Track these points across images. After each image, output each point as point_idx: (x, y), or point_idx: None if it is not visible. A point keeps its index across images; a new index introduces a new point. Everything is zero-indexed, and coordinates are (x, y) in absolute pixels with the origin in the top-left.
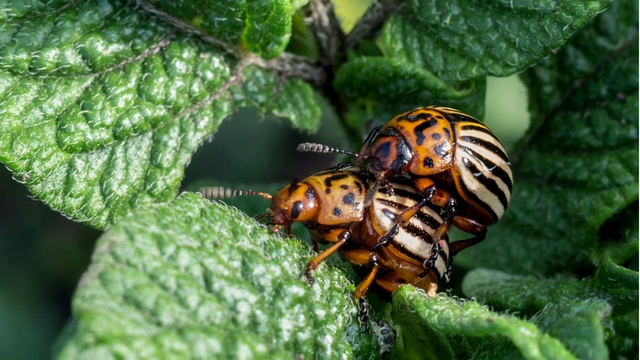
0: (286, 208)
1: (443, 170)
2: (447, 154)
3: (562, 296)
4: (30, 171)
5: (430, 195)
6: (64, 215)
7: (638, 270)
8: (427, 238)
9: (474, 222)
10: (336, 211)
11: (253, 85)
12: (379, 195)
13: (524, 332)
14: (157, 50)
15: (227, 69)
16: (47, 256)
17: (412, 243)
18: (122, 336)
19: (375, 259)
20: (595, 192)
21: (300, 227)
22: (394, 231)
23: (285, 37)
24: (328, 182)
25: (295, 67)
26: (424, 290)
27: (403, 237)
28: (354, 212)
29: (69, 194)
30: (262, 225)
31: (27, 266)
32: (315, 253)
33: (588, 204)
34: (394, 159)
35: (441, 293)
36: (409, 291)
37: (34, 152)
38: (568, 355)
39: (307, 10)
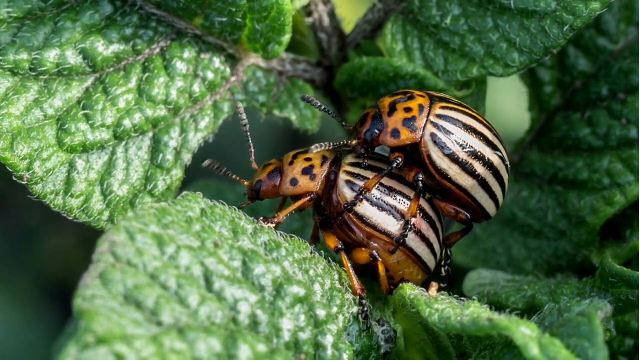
0: (251, 186)
1: (409, 142)
2: (415, 127)
3: (563, 296)
4: (30, 171)
5: (395, 164)
6: (65, 215)
7: (638, 271)
8: (397, 214)
9: (455, 207)
10: (293, 181)
11: (253, 85)
12: (346, 167)
13: (524, 331)
14: (157, 50)
15: (228, 69)
16: (47, 256)
17: (378, 217)
18: (123, 336)
19: (341, 246)
20: (595, 192)
21: (301, 226)
22: (355, 199)
23: (286, 37)
24: (295, 156)
25: (295, 67)
26: (424, 290)
27: (367, 210)
28: (309, 182)
29: (69, 194)
30: (263, 225)
31: (27, 266)
32: (316, 253)
33: (589, 204)
34: (367, 128)
35: (442, 292)
36: (409, 290)
37: (35, 152)
38: (568, 355)
39: (307, 10)
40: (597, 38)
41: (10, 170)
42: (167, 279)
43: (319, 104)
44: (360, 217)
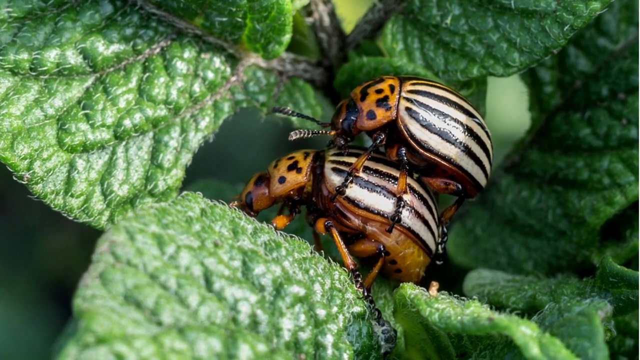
0: (242, 202)
1: (387, 121)
2: (389, 106)
3: (563, 296)
4: (31, 171)
5: (378, 140)
6: (65, 215)
7: (639, 271)
8: (388, 194)
9: (445, 179)
10: (281, 179)
11: (254, 85)
12: (331, 157)
13: (525, 331)
14: (158, 50)
15: (228, 69)
16: (47, 256)
17: (369, 198)
18: (123, 336)
19: (329, 223)
20: (596, 192)
21: (301, 226)
22: (345, 181)
23: (286, 37)
24: (279, 159)
25: (296, 67)
26: (425, 289)
27: (358, 193)
28: (297, 176)
29: (69, 194)
30: (263, 225)
31: (27, 266)
32: (315, 253)
33: (589, 204)
34: (343, 117)
35: (442, 292)
36: (410, 290)
37: (35, 152)
38: (568, 354)
39: (308, 11)
40: (598, 38)
41: (11, 170)
42: (167, 279)
43: (290, 110)
44: (352, 201)
